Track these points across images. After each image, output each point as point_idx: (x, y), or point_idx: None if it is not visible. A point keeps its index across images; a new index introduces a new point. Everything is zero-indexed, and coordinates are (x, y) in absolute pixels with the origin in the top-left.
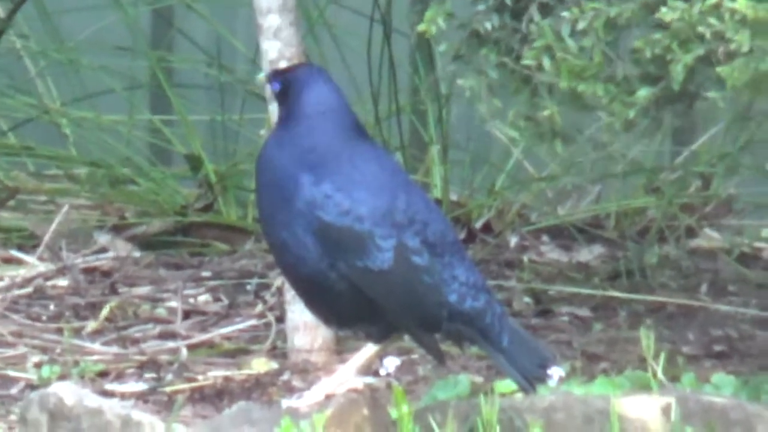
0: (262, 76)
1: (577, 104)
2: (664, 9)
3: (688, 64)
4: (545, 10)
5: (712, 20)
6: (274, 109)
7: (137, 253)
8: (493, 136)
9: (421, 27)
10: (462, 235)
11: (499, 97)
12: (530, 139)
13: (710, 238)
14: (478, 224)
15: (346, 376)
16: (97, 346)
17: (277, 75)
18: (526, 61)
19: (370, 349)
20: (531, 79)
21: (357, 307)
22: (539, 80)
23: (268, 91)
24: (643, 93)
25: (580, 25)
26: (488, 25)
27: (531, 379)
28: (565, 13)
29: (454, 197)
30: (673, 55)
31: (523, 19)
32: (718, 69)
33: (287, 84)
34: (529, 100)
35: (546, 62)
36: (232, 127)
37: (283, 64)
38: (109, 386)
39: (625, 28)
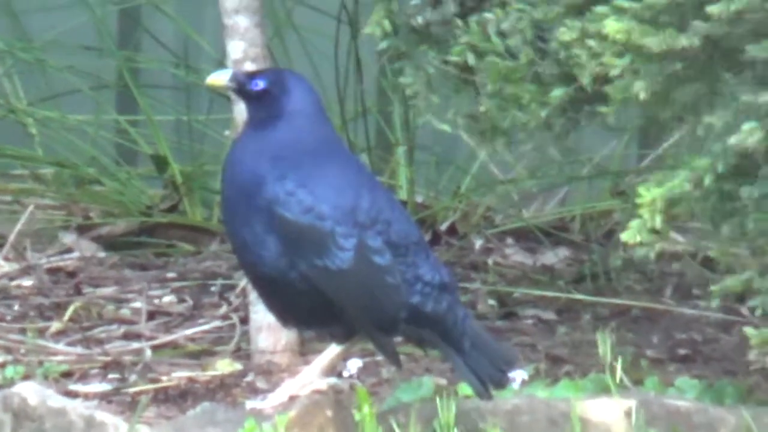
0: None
1: (500, 103)
2: (562, 29)
3: (594, 71)
4: (472, 8)
5: (592, 43)
6: (240, 110)
7: (102, 254)
8: (458, 137)
9: (367, 30)
10: (427, 237)
11: (441, 94)
12: (471, 137)
13: (675, 241)
14: (443, 226)
15: (310, 378)
16: (61, 346)
17: (258, 75)
18: (452, 58)
19: (333, 350)
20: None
21: (316, 308)
22: (474, 78)
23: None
24: (557, 93)
25: (504, 25)
26: (419, 19)
27: (489, 383)
28: (488, 14)
29: (419, 199)
30: (579, 60)
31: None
32: (605, 88)
33: (272, 84)
34: (471, 98)
35: (471, 59)
36: (198, 128)
37: (247, 64)
38: (73, 386)
39: (550, 30)
